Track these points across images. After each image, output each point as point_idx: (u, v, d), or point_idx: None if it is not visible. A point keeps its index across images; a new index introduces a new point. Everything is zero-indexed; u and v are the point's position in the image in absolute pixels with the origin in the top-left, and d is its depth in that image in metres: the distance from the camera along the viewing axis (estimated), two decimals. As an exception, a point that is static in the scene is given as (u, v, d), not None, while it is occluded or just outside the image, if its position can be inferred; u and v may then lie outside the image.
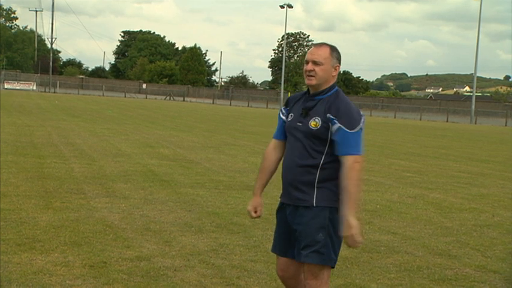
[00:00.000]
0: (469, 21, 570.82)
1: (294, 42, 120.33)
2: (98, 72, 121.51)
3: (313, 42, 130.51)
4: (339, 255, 3.83)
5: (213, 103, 77.56)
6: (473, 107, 66.68)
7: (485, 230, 8.14)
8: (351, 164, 3.61)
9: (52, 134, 18.69)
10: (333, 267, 3.82)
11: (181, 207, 8.55)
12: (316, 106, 3.74)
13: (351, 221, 3.59)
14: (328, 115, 3.67)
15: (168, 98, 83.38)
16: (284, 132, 3.92)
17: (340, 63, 3.83)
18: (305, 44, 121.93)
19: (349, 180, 3.61)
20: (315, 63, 3.74)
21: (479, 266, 6.34)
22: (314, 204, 3.69)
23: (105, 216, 7.65)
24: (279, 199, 3.99)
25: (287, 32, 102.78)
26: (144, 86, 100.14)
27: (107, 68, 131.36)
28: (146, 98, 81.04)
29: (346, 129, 3.62)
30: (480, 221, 8.74)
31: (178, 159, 14.16)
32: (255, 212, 4.05)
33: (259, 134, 24.99)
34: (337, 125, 3.63)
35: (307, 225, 3.69)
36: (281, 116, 3.95)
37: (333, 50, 3.79)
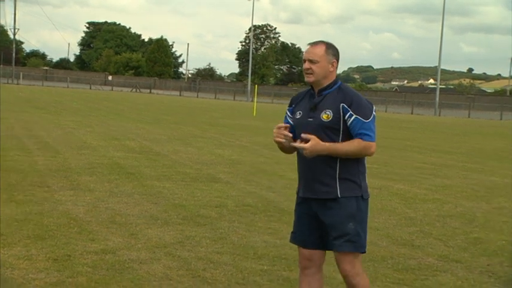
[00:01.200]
0: (433, 14, 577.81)
1: (261, 34, 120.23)
2: (63, 64, 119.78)
3: (280, 34, 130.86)
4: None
5: (180, 95, 77.15)
6: (437, 99, 67.66)
7: (448, 220, 8.29)
8: (364, 144, 3.76)
9: (15, 126, 18.38)
10: (364, 253, 3.99)
11: (147, 199, 8.51)
12: (324, 100, 3.87)
13: (320, 144, 3.71)
14: (342, 105, 3.79)
15: (134, 90, 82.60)
16: (294, 134, 3.96)
17: (337, 58, 3.93)
18: (272, 36, 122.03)
19: (352, 144, 3.75)
20: (311, 61, 3.86)
21: (441, 255, 6.46)
22: (339, 195, 3.83)
23: (69, 209, 7.57)
24: (298, 194, 4.04)
25: (254, 24, 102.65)
26: (109, 77, 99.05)
27: (72, 59, 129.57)
28: (112, 90, 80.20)
29: (363, 120, 3.76)
30: (443, 211, 8.89)
31: (145, 152, 14.07)
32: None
33: (227, 126, 24.98)
34: (354, 116, 3.77)
35: (337, 216, 3.83)
36: (287, 118, 4.05)
37: (328, 47, 3.89)
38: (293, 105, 4.04)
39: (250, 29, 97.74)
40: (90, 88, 78.92)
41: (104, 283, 5.01)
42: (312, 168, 3.87)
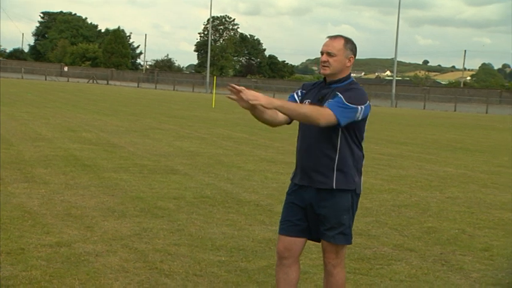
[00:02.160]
0: (390, 7, 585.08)
1: (219, 25, 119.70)
2: (16, 54, 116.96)
3: (239, 26, 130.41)
4: None
5: (138, 87, 76.34)
6: (393, 90, 68.65)
7: (403, 209, 8.44)
8: (327, 112, 3.69)
9: (-33, 118, 17.92)
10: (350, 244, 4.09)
11: (103, 192, 8.41)
12: (331, 93, 3.89)
13: (270, 100, 3.63)
14: (337, 92, 3.82)
15: (91, 81, 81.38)
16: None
17: (355, 54, 3.96)
18: (230, 27, 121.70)
19: (312, 109, 3.71)
20: (329, 54, 3.88)
21: (396, 244, 6.57)
22: (334, 187, 3.87)
23: (23, 202, 7.43)
24: (293, 181, 4.05)
25: (212, 15, 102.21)
26: (65, 68, 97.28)
27: (26, 50, 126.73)
28: (68, 81, 78.84)
29: (343, 100, 3.76)
30: (398, 201, 9.04)
31: (102, 144, 13.89)
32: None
33: (185, 118, 24.85)
34: (339, 96, 3.78)
35: (332, 208, 3.90)
36: (295, 96, 4.05)
37: (347, 41, 3.92)
38: (304, 91, 4.06)
39: (208, 20, 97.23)
40: (46, 79, 77.38)
41: (59, 276, 4.94)
42: (311, 157, 3.92)
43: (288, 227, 4.05)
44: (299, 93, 4.06)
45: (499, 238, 7.09)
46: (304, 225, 4.01)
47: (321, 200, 3.92)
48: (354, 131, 3.91)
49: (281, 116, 3.90)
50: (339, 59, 3.88)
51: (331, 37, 3.94)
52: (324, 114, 3.70)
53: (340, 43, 3.89)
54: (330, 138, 3.87)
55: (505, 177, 12.38)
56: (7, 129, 15.30)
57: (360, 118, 3.84)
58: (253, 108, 3.73)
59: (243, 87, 3.71)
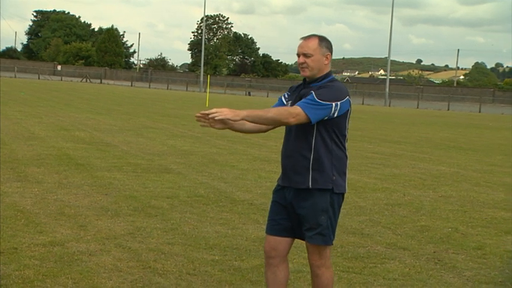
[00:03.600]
0: (383, 6, 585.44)
1: (213, 24, 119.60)
2: (9, 53, 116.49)
3: (232, 25, 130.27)
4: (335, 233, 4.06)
5: (131, 86, 76.18)
6: (387, 89, 68.75)
7: (396, 208, 8.45)
8: (295, 111, 3.71)
9: (-41, 117, 17.84)
10: (332, 245, 4.05)
11: (97, 191, 8.39)
12: (309, 92, 3.86)
13: (236, 112, 3.73)
14: (312, 91, 3.80)
15: (84, 80, 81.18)
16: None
17: (331, 51, 3.93)
18: (224, 26, 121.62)
19: (279, 111, 3.74)
20: (305, 55, 3.86)
21: (389, 243, 6.59)
22: (310, 186, 3.86)
23: (16, 201, 7.41)
24: (277, 182, 4.11)
25: (206, 14, 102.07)
26: (59, 67, 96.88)
27: (19, 48, 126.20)
28: (61, 80, 78.60)
29: (315, 97, 3.74)
30: (392, 200, 9.06)
31: (95, 143, 13.87)
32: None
33: (179, 117, 24.82)
34: (311, 93, 3.78)
35: (310, 209, 3.89)
36: (283, 98, 4.08)
37: (322, 40, 3.91)
38: (289, 93, 4.08)
39: (202, 19, 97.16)
40: (39, 78, 77.13)
41: (52, 275, 4.93)
42: (290, 158, 3.94)
43: (273, 226, 4.05)
44: (286, 96, 4.09)
45: (491, 236, 7.12)
46: (288, 224, 4.01)
47: (300, 200, 3.92)
48: (333, 129, 3.87)
49: (256, 128, 4.04)
50: (316, 59, 3.86)
51: (304, 38, 3.92)
52: (293, 113, 3.71)
53: (314, 42, 3.87)
54: (305, 138, 3.87)
55: (497, 176, 12.43)
56: (0, 128, 15.24)
57: (335, 115, 3.80)
58: (229, 125, 3.85)
59: (207, 111, 3.74)
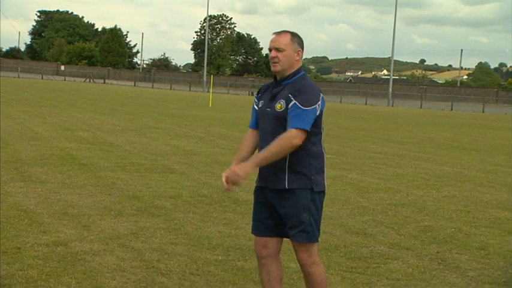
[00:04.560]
0: (386, 6, 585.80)
1: (216, 24, 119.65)
2: (13, 53, 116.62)
3: (236, 25, 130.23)
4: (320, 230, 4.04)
5: (134, 86, 76.25)
6: (390, 89, 68.69)
7: (399, 208, 8.44)
8: (291, 134, 3.75)
9: (-37, 117, 17.88)
10: (317, 242, 4.03)
11: (100, 191, 8.40)
12: (283, 90, 3.89)
13: (245, 168, 3.81)
14: (289, 95, 3.82)
15: (87, 80, 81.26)
16: (257, 120, 4.05)
17: (302, 48, 3.95)
18: (227, 26, 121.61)
19: (278, 142, 3.75)
20: (277, 50, 3.87)
21: (393, 243, 6.58)
22: (286, 187, 3.86)
23: (19, 201, 7.42)
24: (255, 183, 4.11)
25: (209, 14, 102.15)
26: (62, 67, 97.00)
27: (23, 48, 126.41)
28: (65, 80, 78.70)
29: (300, 106, 3.77)
30: (395, 200, 9.05)
31: (98, 143, 13.88)
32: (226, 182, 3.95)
33: (182, 117, 24.84)
34: (293, 101, 3.79)
35: (291, 207, 3.89)
36: (254, 106, 4.09)
37: (294, 35, 3.92)
38: (259, 94, 4.08)
39: (205, 19, 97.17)
40: (42, 78, 77.25)
41: (56, 275, 4.94)
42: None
43: (258, 226, 4.06)
44: (256, 101, 4.07)
45: (495, 237, 7.11)
46: (272, 223, 4.01)
47: (281, 200, 3.91)
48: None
49: (251, 153, 4.08)
50: (287, 54, 3.87)
51: (277, 33, 3.94)
52: (292, 137, 3.74)
53: (286, 38, 3.89)
54: None
55: (501, 176, 12.41)
56: (3, 128, 15.27)
57: (317, 114, 3.84)
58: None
59: (224, 178, 3.90)
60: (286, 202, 3.89)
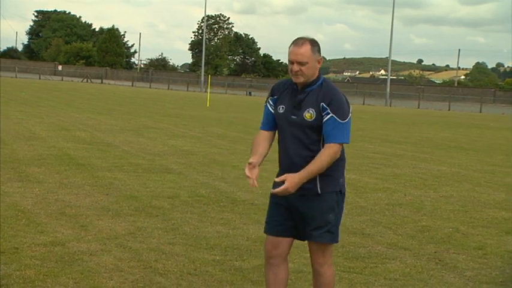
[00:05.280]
0: (384, 6, 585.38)
1: (214, 24, 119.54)
2: (10, 53, 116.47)
3: (233, 25, 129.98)
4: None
5: (132, 86, 76.19)
6: (388, 89, 68.73)
7: (397, 208, 8.45)
8: (334, 150, 3.78)
9: (-40, 117, 17.85)
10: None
11: (98, 191, 8.40)
12: (307, 97, 3.83)
13: (296, 180, 3.73)
14: (322, 104, 3.78)
15: (85, 80, 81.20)
16: (274, 124, 3.98)
17: (320, 53, 3.87)
18: (225, 26, 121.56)
19: (322, 158, 3.75)
20: (300, 63, 3.77)
21: (390, 243, 6.58)
22: (319, 192, 3.87)
23: (17, 201, 7.41)
24: (274, 185, 4.02)
25: (207, 14, 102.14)
26: (59, 67, 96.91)
27: (20, 48, 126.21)
28: (62, 80, 78.62)
29: (338, 119, 3.77)
30: (393, 200, 9.06)
31: (96, 143, 13.87)
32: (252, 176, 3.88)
33: (180, 117, 24.83)
34: (330, 114, 3.76)
35: (317, 208, 3.89)
36: (269, 107, 3.99)
37: (313, 44, 3.81)
38: (276, 96, 3.97)
39: (203, 19, 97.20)
40: (40, 78, 77.17)
41: (53, 275, 4.93)
42: (295, 166, 3.85)
43: (273, 226, 4.03)
44: (271, 103, 3.98)
45: (492, 237, 7.12)
46: (290, 224, 3.99)
47: (306, 201, 3.90)
48: None
49: (266, 148, 3.99)
50: (310, 66, 3.78)
51: (297, 44, 3.79)
52: (335, 151, 3.78)
53: (307, 49, 3.77)
54: (309, 149, 3.84)
55: (498, 176, 12.42)
56: (1, 128, 15.24)
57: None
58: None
59: (290, 183, 3.74)
60: (312, 203, 3.89)
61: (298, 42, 3.80)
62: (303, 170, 3.75)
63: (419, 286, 5.29)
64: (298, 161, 3.86)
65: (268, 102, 4.00)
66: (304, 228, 3.96)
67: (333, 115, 3.76)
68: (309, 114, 3.80)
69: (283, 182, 3.76)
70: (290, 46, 3.82)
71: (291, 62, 3.80)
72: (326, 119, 3.77)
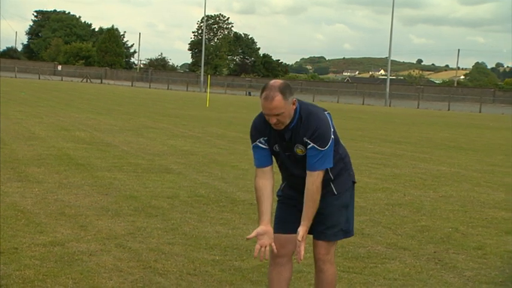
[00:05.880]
0: (383, 6, 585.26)
1: (213, 24, 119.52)
2: (10, 53, 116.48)
3: (233, 25, 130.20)
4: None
5: (132, 86, 76.18)
6: (387, 89, 68.72)
7: (396, 208, 8.45)
8: (315, 178, 3.80)
9: (-40, 117, 17.84)
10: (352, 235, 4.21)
11: (97, 191, 8.39)
12: (293, 135, 3.84)
13: (306, 232, 3.85)
14: (304, 139, 3.81)
15: (85, 80, 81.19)
16: (270, 157, 3.98)
17: (293, 94, 3.79)
18: (225, 26, 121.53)
19: (314, 192, 3.80)
20: (276, 115, 3.75)
21: (390, 243, 6.59)
22: (335, 193, 3.98)
23: (16, 201, 7.41)
24: (282, 190, 4.12)
25: (207, 14, 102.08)
26: (59, 67, 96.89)
27: (20, 48, 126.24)
28: (62, 80, 78.61)
29: (319, 149, 3.79)
30: (392, 200, 9.06)
31: (95, 143, 13.87)
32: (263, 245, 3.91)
33: (179, 117, 24.82)
34: (311, 144, 3.79)
35: (332, 206, 3.96)
36: (261, 146, 3.93)
37: (283, 92, 3.70)
38: (265, 137, 3.92)
39: (202, 19, 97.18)
40: (39, 78, 77.17)
41: (53, 275, 4.93)
42: (300, 183, 3.88)
43: (284, 224, 4.04)
44: (262, 141, 3.93)
45: (492, 236, 7.12)
46: (299, 222, 3.96)
47: (321, 202, 3.89)
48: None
49: (270, 196, 3.98)
50: (287, 113, 3.75)
51: (267, 99, 3.68)
52: (317, 180, 3.80)
53: (278, 101, 3.68)
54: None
55: (498, 176, 12.42)
56: (0, 128, 15.25)
57: (333, 137, 3.84)
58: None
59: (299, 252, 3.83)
60: (328, 203, 3.94)
61: (268, 96, 3.70)
62: (306, 220, 3.82)
63: (418, 286, 5.29)
64: (300, 183, 3.90)
65: (260, 142, 3.94)
66: (316, 227, 3.97)
67: (313, 144, 3.79)
68: (300, 150, 3.86)
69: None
70: (261, 96, 3.75)
71: (267, 115, 3.77)
72: (308, 147, 3.82)
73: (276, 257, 4.06)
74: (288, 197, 4.06)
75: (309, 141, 3.80)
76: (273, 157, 4.02)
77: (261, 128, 3.92)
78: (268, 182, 3.97)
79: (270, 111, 3.72)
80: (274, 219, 4.11)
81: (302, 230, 3.82)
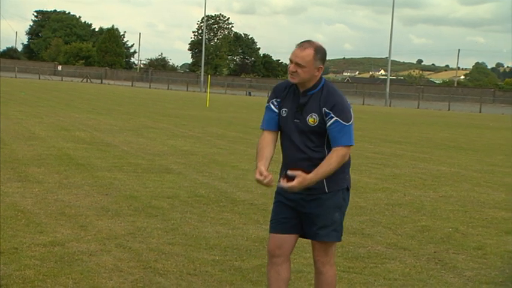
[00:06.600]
0: (383, 6, 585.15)
1: (213, 24, 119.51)
2: (10, 53, 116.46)
3: (233, 25, 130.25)
4: None
5: (132, 86, 76.16)
6: (387, 90, 68.74)
7: (396, 208, 8.45)
8: (342, 153, 3.80)
9: (-40, 117, 17.84)
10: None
11: (97, 191, 8.39)
12: (310, 101, 3.83)
13: (306, 182, 3.74)
14: (324, 109, 3.79)
15: (85, 80, 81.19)
16: (277, 124, 3.97)
17: (323, 63, 3.85)
18: (225, 26, 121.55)
19: (331, 162, 3.77)
20: (298, 64, 3.77)
21: (390, 243, 6.59)
22: (326, 191, 3.90)
23: (16, 201, 7.41)
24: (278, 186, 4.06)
25: (207, 14, 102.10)
26: (59, 67, 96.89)
27: (20, 48, 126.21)
28: (62, 80, 78.60)
29: (343, 123, 3.78)
30: (392, 200, 9.06)
31: (95, 143, 13.87)
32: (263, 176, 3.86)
33: (179, 117, 24.82)
34: (334, 118, 3.77)
35: (324, 206, 3.91)
36: (273, 107, 3.96)
37: (317, 51, 3.78)
38: (278, 98, 3.95)
39: (203, 19, 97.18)
40: (39, 78, 77.16)
41: (53, 276, 4.93)
42: (299, 168, 3.84)
43: (278, 224, 4.03)
44: (275, 103, 3.95)
45: (492, 237, 7.12)
46: (295, 222, 3.99)
47: (312, 201, 3.91)
48: None
49: (271, 151, 3.97)
50: (307, 70, 3.77)
51: (301, 46, 3.79)
52: (343, 154, 3.80)
53: (309, 55, 3.76)
54: (315, 152, 3.85)
55: (498, 176, 12.43)
56: (0, 128, 15.25)
57: None
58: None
59: (299, 182, 3.74)
60: (320, 202, 3.90)
61: (303, 45, 3.81)
62: (313, 173, 3.75)
63: (418, 286, 5.30)
64: (302, 165, 3.86)
65: (273, 103, 3.97)
66: (310, 228, 3.97)
67: (337, 118, 3.77)
68: (312, 119, 3.81)
69: (291, 177, 3.77)
70: (296, 46, 3.83)
71: (291, 61, 3.82)
72: (330, 123, 3.78)
73: (273, 257, 4.06)
74: (285, 198, 4.04)
75: (331, 113, 3.76)
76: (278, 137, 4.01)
77: (279, 89, 3.98)
78: (271, 143, 3.97)
79: (295, 58, 3.78)
80: (271, 218, 4.11)
81: (298, 179, 3.72)
